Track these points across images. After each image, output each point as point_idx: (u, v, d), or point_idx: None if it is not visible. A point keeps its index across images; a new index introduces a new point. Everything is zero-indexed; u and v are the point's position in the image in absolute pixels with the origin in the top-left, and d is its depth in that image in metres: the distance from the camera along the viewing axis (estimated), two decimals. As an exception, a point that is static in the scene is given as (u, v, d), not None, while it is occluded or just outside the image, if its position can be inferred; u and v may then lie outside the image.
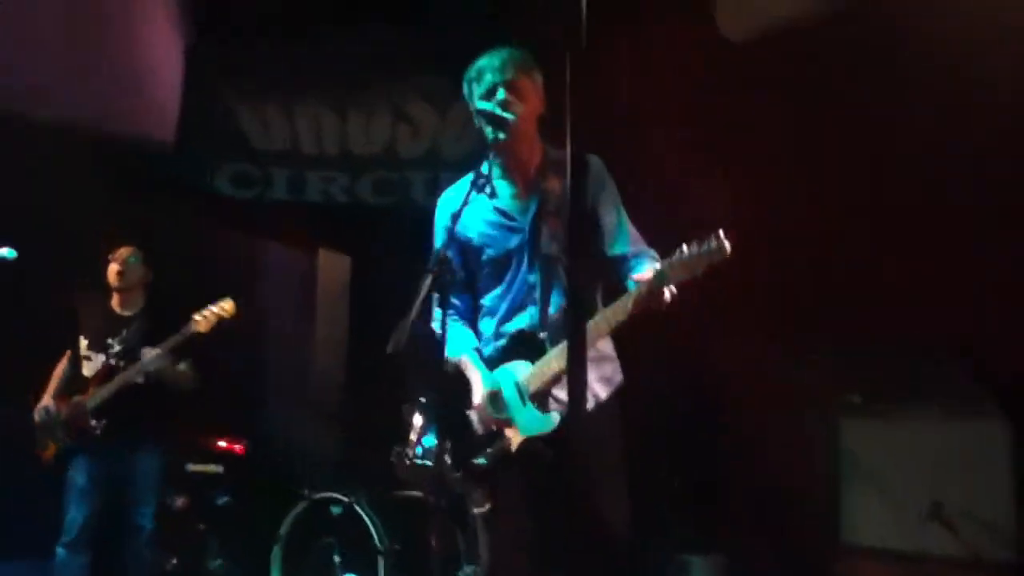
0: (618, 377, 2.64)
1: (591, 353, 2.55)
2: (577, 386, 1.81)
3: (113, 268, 4.20)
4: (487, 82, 2.59)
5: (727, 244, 2.25)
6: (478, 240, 2.65)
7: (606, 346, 2.63)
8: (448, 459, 3.98)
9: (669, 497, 4.00)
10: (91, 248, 4.37)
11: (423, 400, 4.04)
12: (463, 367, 2.63)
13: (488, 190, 2.60)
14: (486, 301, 2.68)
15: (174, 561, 4.58)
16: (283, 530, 4.11)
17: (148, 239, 4.35)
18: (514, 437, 2.55)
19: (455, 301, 2.71)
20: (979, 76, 3.57)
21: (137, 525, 4.07)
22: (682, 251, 2.31)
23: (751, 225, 4.30)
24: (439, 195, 2.76)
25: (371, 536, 3.87)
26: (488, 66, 2.61)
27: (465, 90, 2.69)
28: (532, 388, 2.52)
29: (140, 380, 3.99)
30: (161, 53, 5.41)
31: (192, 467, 4.77)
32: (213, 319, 4.01)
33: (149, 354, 3.95)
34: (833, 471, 3.52)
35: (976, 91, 3.63)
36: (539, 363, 2.52)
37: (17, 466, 4.30)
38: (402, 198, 5.17)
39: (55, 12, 4.94)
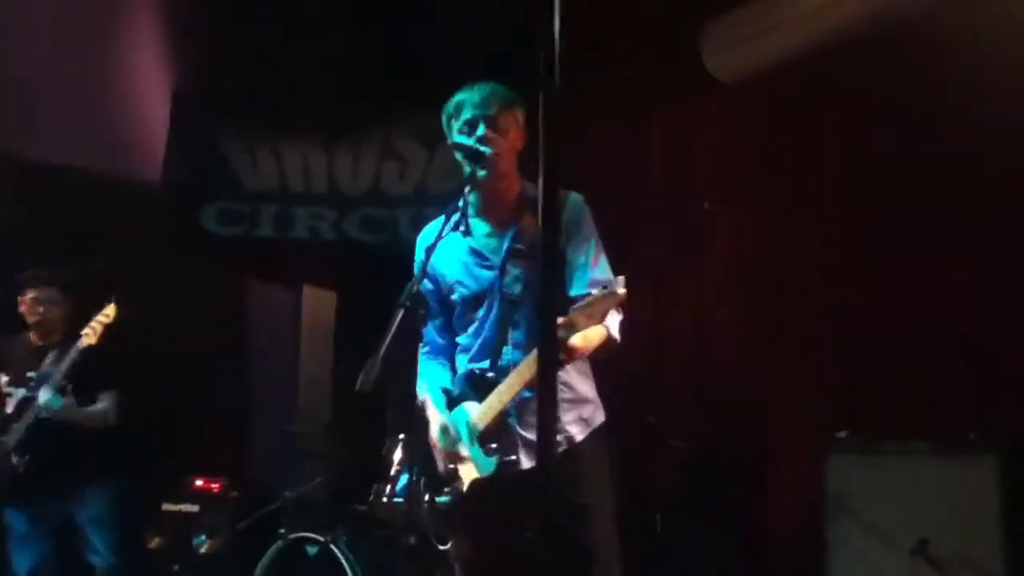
0: (598, 418, 2.60)
1: (567, 395, 2.53)
2: (546, 427, 1.77)
3: (26, 305, 4.11)
4: (466, 117, 2.58)
5: (621, 289, 2.22)
6: (451, 278, 2.63)
7: (584, 387, 2.60)
8: (426, 496, 3.96)
9: (652, 537, 3.92)
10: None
11: (402, 437, 3.99)
12: (425, 406, 2.59)
13: (463, 228, 2.60)
14: (461, 339, 2.66)
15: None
16: (258, 571, 4.02)
17: (63, 273, 4.25)
18: (466, 477, 2.51)
19: (434, 338, 2.70)
20: (973, 119, 3.59)
21: (93, 565, 3.94)
22: (583, 299, 2.30)
23: (730, 254, 4.36)
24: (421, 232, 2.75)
25: (347, 576, 3.79)
26: (468, 100, 2.59)
27: (444, 124, 2.68)
28: (480, 427, 2.48)
29: (46, 415, 3.85)
30: (150, 93, 5.44)
31: (167, 506, 4.68)
32: (100, 328, 3.92)
33: (45, 395, 3.82)
34: (819, 508, 3.46)
35: (967, 138, 3.65)
36: (485, 403, 2.48)
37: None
38: (389, 235, 5.17)
39: (45, 53, 4.96)
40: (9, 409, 3.98)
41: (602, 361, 2.59)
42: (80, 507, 3.98)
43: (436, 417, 2.57)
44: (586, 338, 2.37)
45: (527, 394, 2.43)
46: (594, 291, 2.28)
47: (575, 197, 2.61)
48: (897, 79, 3.79)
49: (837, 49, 3.94)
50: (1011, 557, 3.02)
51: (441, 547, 2.63)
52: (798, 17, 4.07)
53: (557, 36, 1.64)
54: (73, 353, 3.88)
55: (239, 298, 5.87)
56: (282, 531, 4.13)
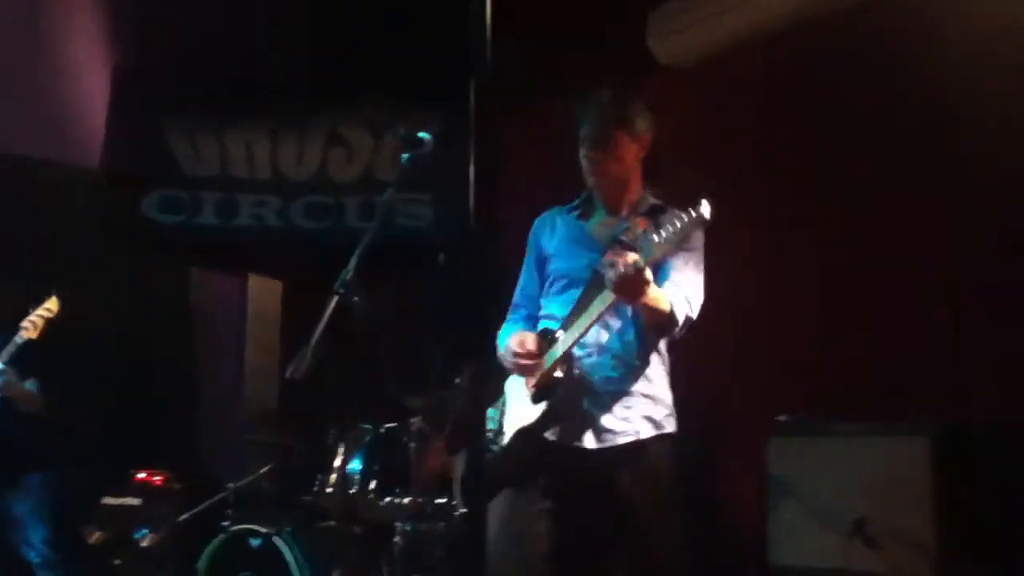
0: (669, 425, 2.57)
1: (645, 388, 2.54)
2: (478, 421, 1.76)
3: None
4: (583, 132, 2.61)
5: (706, 212, 2.18)
6: (550, 250, 2.70)
7: (661, 388, 2.59)
8: (372, 485, 3.94)
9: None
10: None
11: (347, 427, 3.97)
12: (513, 338, 2.60)
13: (580, 211, 2.69)
14: (548, 306, 2.69)
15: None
16: (200, 564, 3.96)
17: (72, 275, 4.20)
18: (509, 430, 2.58)
19: (522, 305, 2.77)
20: (927, 101, 3.63)
21: (29, 560, 3.83)
22: (661, 229, 2.23)
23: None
24: (372, 219, 2.76)
25: (289, 569, 3.75)
26: (585, 116, 2.62)
27: None
28: (535, 380, 2.54)
29: None
30: (89, 76, 5.30)
31: (109, 500, 4.59)
32: (40, 323, 3.84)
33: None
34: (760, 490, 3.50)
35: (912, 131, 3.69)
36: (548, 354, 2.52)
37: None
38: (335, 222, 5.11)
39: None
40: None
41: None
42: (17, 498, 3.87)
43: (529, 337, 2.58)
44: (656, 293, 2.36)
45: (612, 374, 2.47)
46: (679, 216, 2.20)
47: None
48: (852, 62, 3.84)
49: (787, 34, 3.98)
50: (942, 533, 3.08)
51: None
52: (746, 2, 4.09)
53: (489, 21, 1.63)
54: (11, 347, 3.78)
55: (182, 287, 5.76)
56: (225, 523, 4.08)
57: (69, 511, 4.09)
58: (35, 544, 3.85)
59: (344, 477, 3.93)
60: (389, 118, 5.05)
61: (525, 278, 2.78)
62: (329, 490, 3.96)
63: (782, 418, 3.58)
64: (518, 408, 2.57)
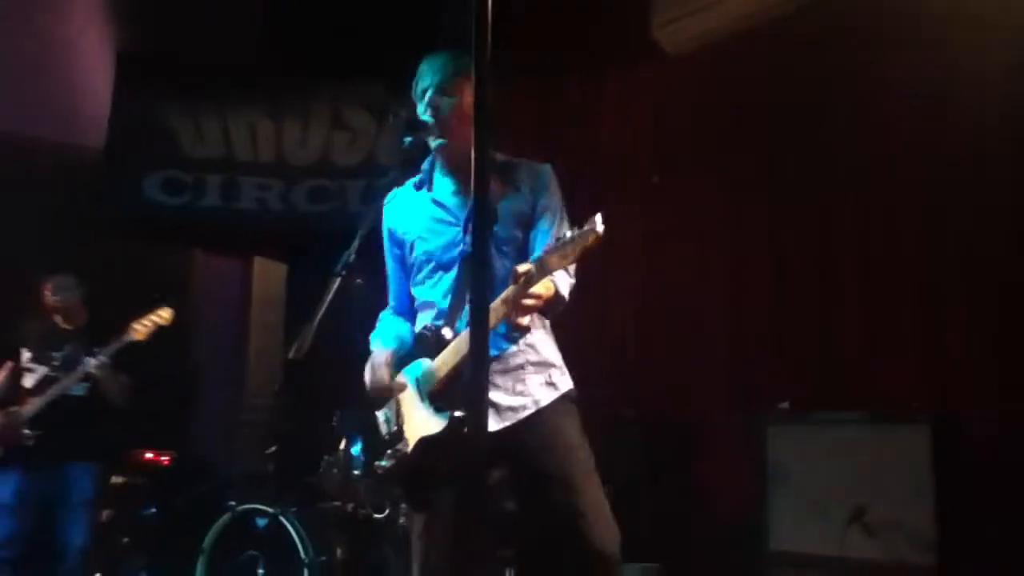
0: (566, 384, 2.57)
1: (532, 357, 2.52)
2: (478, 391, 1.77)
3: (48, 296, 4.24)
4: (421, 87, 2.58)
5: (600, 227, 2.16)
6: (412, 235, 2.62)
7: (548, 352, 2.58)
8: (358, 465, 3.95)
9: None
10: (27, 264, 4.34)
11: (350, 410, 3.99)
12: (378, 354, 2.58)
13: (427, 186, 2.61)
14: (421, 296, 2.64)
15: (98, 575, 4.45)
16: (206, 542, 4.01)
17: (71, 258, 4.35)
18: (412, 437, 2.50)
19: (396, 300, 2.70)
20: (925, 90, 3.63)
21: (68, 545, 4.02)
22: (555, 240, 2.26)
23: (677, 226, 4.39)
24: (374, 203, 2.74)
25: (296, 548, 3.79)
26: (423, 71, 2.59)
27: (414, 97, 2.68)
28: (432, 384, 2.47)
29: (80, 392, 4.03)
30: (92, 60, 5.30)
31: (117, 479, 4.65)
32: (151, 327, 4.07)
33: (92, 362, 3.99)
34: (760, 477, 3.53)
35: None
36: (436, 360, 2.48)
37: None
38: (338, 205, 5.12)
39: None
40: (29, 383, 4.10)
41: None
42: (73, 484, 4.07)
43: (382, 366, 2.53)
44: (546, 288, 2.32)
45: (493, 352, 2.41)
46: (568, 232, 2.21)
47: (544, 167, 2.61)
48: (852, 47, 3.83)
49: (789, 20, 3.97)
50: (941, 522, 3.11)
51: (376, 515, 2.61)
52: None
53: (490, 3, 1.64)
54: (117, 344, 4.01)
55: (186, 269, 5.78)
56: (231, 503, 4.12)
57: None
58: (80, 532, 4.06)
59: (348, 460, 3.96)
60: (391, 101, 5.05)
61: (390, 270, 2.69)
62: (333, 472, 3.99)
63: (782, 406, 3.61)
64: (415, 412, 2.49)
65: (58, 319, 4.28)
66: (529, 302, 2.27)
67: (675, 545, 3.95)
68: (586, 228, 2.21)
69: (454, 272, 2.53)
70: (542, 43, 4.59)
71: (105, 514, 4.63)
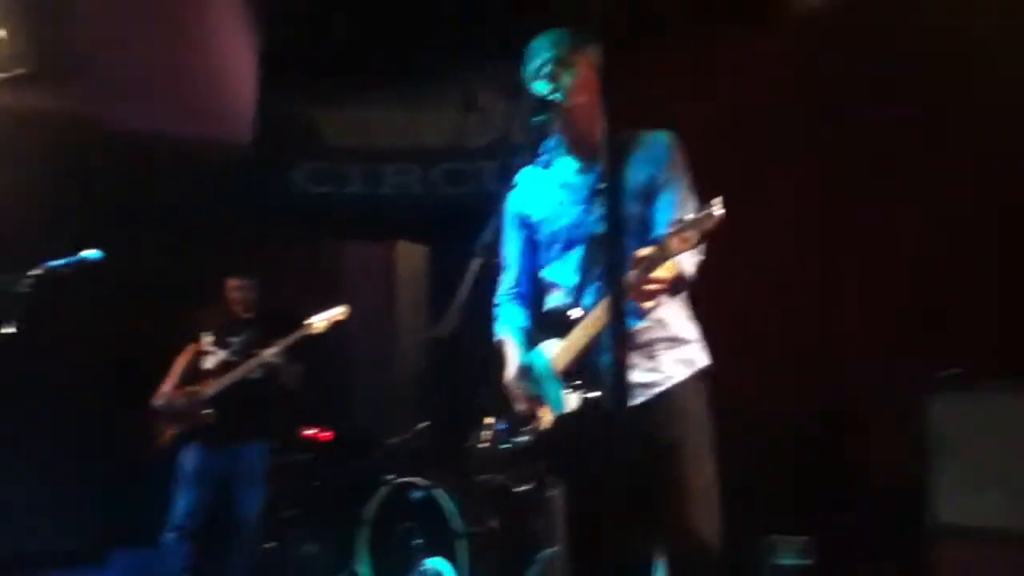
0: (701, 360, 2.57)
1: (662, 333, 2.53)
2: (619, 367, 1.78)
3: (232, 291, 4.63)
4: (537, 63, 2.59)
5: (717, 211, 2.14)
6: (538, 216, 2.65)
7: (681, 327, 2.57)
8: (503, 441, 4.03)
9: (753, 477, 3.91)
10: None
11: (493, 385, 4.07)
12: (504, 346, 2.64)
13: (550, 166, 2.62)
14: (547, 274, 2.68)
15: (268, 545, 4.75)
16: (367, 514, 4.21)
17: (250, 260, 4.77)
18: (545, 417, 2.54)
19: (516, 283, 2.74)
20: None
21: (242, 517, 4.37)
22: (676, 222, 2.21)
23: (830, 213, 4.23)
24: (509, 182, 2.77)
25: (449, 520, 3.93)
26: (539, 46, 2.60)
27: (524, 76, 2.70)
28: (561, 364, 2.50)
29: (257, 375, 4.37)
30: (236, 56, 5.57)
31: (284, 456, 4.94)
32: (329, 323, 4.44)
33: (270, 351, 4.35)
34: (923, 448, 3.38)
35: None
36: (566, 339, 2.50)
37: (131, 457, 4.58)
38: (475, 187, 5.21)
39: (132, 20, 5.16)
40: (208, 365, 4.50)
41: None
42: (247, 461, 4.44)
43: (514, 357, 2.59)
44: (668, 269, 2.30)
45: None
46: (688, 216, 2.20)
47: (663, 135, 2.57)
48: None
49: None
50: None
51: (515, 490, 2.68)
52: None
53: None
54: (297, 334, 4.39)
55: (335, 256, 6.04)
56: (388, 477, 4.31)
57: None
58: (253, 506, 4.43)
59: (494, 434, 4.05)
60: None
61: (512, 252, 2.70)
62: (482, 446, 4.10)
63: (944, 375, 3.44)
64: (548, 391, 2.51)
65: (237, 309, 4.63)
66: (651, 287, 2.25)
67: (828, 520, 3.85)
68: (704, 212, 2.17)
69: (579, 251, 2.55)
70: (657, 10, 4.50)
71: (274, 488, 4.94)
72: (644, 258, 2.21)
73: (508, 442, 2.68)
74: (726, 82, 4.55)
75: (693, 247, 2.21)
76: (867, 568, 3.69)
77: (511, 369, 2.60)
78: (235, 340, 4.53)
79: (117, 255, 4.32)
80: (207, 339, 4.58)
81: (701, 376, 2.55)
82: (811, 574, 3.63)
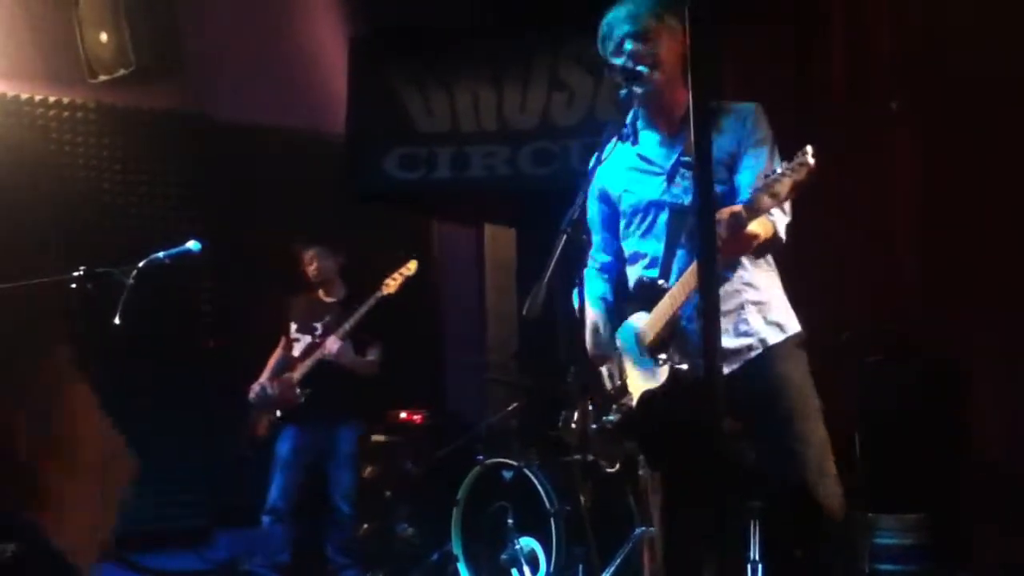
0: (793, 325, 2.51)
1: (751, 295, 2.47)
2: (712, 340, 1.75)
3: (309, 268, 4.66)
4: (616, 36, 2.56)
5: (811, 158, 2.07)
6: (618, 188, 2.64)
7: (771, 291, 2.51)
8: (592, 420, 4.02)
9: (853, 451, 3.78)
10: (280, 241, 4.79)
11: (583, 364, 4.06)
12: (588, 319, 2.60)
13: (631, 139, 2.59)
14: (629, 248, 2.65)
15: (365, 527, 4.86)
16: (460, 495, 4.26)
17: (329, 232, 4.77)
18: (636, 390, 2.51)
19: (600, 255, 2.74)
20: None
21: (336, 497, 4.46)
22: (764, 177, 2.16)
23: (918, 157, 4.04)
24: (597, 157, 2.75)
25: (541, 499, 3.94)
26: (615, 19, 2.57)
27: (600, 48, 2.66)
28: (651, 336, 2.46)
29: (332, 357, 4.40)
30: (326, 44, 5.67)
31: (376, 438, 5.04)
32: (400, 279, 4.43)
33: (342, 329, 4.39)
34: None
35: None
36: (653, 312, 2.46)
37: (231, 445, 4.73)
38: (561, 166, 5.17)
39: (229, 14, 5.31)
40: (296, 353, 4.61)
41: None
42: (339, 442, 4.51)
43: (593, 328, 2.58)
44: (763, 226, 2.29)
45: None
46: (778, 168, 2.15)
47: (749, 106, 2.53)
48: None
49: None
50: None
51: (608, 470, 2.67)
52: None
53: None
54: (371, 300, 4.42)
55: (426, 240, 6.10)
56: (480, 457, 4.35)
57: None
58: (346, 488, 4.51)
59: (584, 413, 4.04)
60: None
61: (595, 225, 2.70)
62: (572, 426, 4.09)
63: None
64: (636, 366, 2.48)
65: (320, 293, 4.69)
66: (742, 242, 2.22)
67: (942, 492, 3.69)
68: (796, 161, 2.11)
69: (662, 222, 2.51)
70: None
71: (369, 470, 5.05)
72: (735, 213, 2.18)
73: (599, 421, 2.67)
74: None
75: (785, 200, 2.17)
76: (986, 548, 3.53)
77: (591, 340, 2.58)
78: (318, 324, 4.58)
79: (219, 245, 4.50)
80: (293, 327, 4.66)
81: (798, 341, 2.49)
82: (916, 553, 3.49)
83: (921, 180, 4.03)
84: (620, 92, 2.63)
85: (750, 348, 2.46)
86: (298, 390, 4.46)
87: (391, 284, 4.42)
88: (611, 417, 2.57)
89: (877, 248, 4.16)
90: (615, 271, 2.72)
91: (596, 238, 2.74)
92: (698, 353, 2.33)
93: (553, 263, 2.35)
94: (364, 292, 4.53)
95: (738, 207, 2.19)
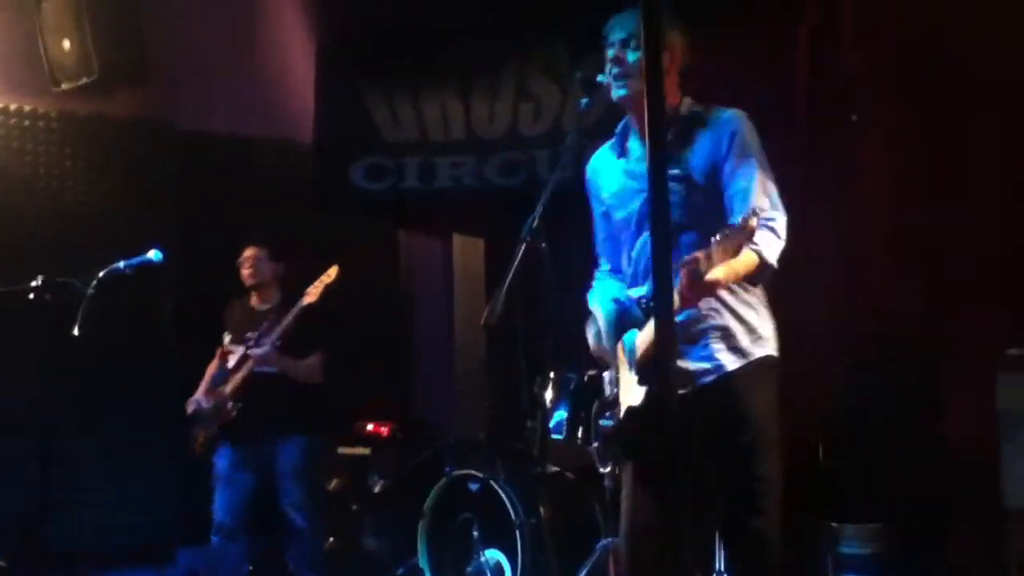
0: (759, 351, 2.49)
1: (716, 321, 2.47)
2: (666, 361, 1.74)
3: (244, 269, 4.47)
4: (614, 39, 2.56)
5: (752, 222, 2.07)
6: (609, 201, 2.65)
7: (742, 317, 2.50)
8: (579, 432, 4.02)
9: (815, 464, 3.80)
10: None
11: (552, 375, 4.06)
12: (595, 316, 2.62)
13: (618, 150, 2.61)
14: (618, 265, 2.67)
15: (331, 540, 4.81)
16: (426, 507, 4.23)
17: (275, 236, 4.59)
18: (623, 404, 2.51)
19: (607, 255, 2.73)
20: None
21: (288, 520, 4.27)
22: (719, 235, 2.14)
23: (884, 166, 4.08)
24: (559, 169, 2.75)
25: (507, 511, 3.91)
26: (616, 23, 2.57)
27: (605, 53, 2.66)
28: (639, 354, 2.46)
29: (272, 370, 4.23)
30: (294, 52, 5.64)
31: (343, 450, 4.99)
32: (321, 287, 4.23)
33: (270, 338, 4.20)
34: (993, 424, 3.24)
35: None
36: (643, 331, 2.46)
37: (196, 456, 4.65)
38: (528, 177, 5.18)
39: (194, 22, 5.26)
40: (230, 364, 4.42)
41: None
42: (280, 456, 4.32)
43: (600, 329, 2.58)
44: (731, 268, 2.25)
45: (680, 317, 2.34)
46: (737, 220, 2.13)
47: (733, 113, 2.50)
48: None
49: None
50: None
51: (602, 469, 2.69)
52: None
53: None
54: (295, 310, 4.21)
55: (392, 251, 6.07)
56: (446, 469, 4.31)
57: (316, 468, 4.52)
58: (296, 500, 4.30)
59: (545, 425, 4.03)
60: (570, 64, 5.02)
61: (599, 229, 2.71)
62: (537, 438, 4.08)
63: (1012, 352, 3.29)
64: (626, 380, 2.49)
65: (253, 299, 4.50)
66: (698, 290, 2.22)
67: (905, 503, 3.71)
68: (743, 220, 2.10)
69: (647, 238, 2.49)
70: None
71: (335, 483, 4.99)
72: (692, 262, 2.17)
73: (573, 430, 2.70)
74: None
75: (733, 256, 2.16)
76: (940, 555, 3.55)
77: (593, 341, 2.59)
78: (252, 334, 4.36)
79: (183, 255, 4.44)
80: (227, 338, 4.48)
81: (762, 366, 2.48)
82: (878, 563, 3.50)
83: (896, 183, 4.07)
84: (581, 101, 2.64)
85: (707, 372, 2.46)
86: (230, 404, 4.29)
87: (312, 293, 4.22)
88: (605, 422, 2.59)
89: (851, 252, 4.20)
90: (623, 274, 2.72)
91: (603, 242, 2.74)
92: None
93: (513, 271, 2.34)
94: (294, 297, 4.33)
95: (699, 254, 2.17)
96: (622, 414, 2.49)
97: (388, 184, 5.41)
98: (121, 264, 3.94)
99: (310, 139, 5.55)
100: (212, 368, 4.53)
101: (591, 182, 2.66)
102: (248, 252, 4.47)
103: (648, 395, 2.38)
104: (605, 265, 2.73)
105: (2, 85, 5.07)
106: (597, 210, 2.70)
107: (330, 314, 4.37)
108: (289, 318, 4.22)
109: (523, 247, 2.38)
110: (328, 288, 4.24)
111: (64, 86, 4.91)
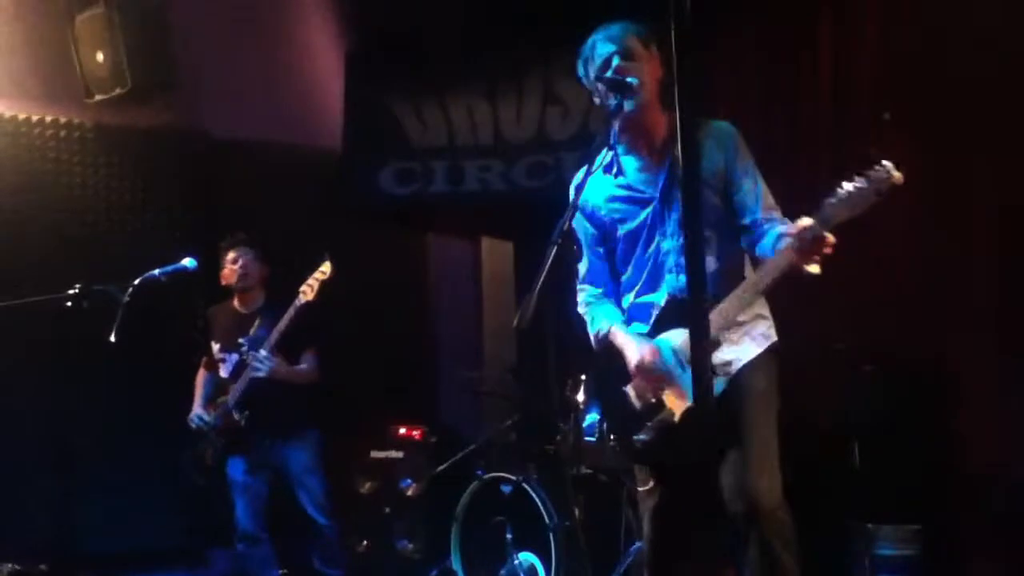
0: (772, 336, 2.59)
1: (745, 315, 2.52)
2: (701, 359, 1.75)
3: (232, 268, 4.36)
4: (602, 54, 2.59)
5: (895, 171, 2.10)
6: (611, 216, 2.65)
7: (761, 305, 2.58)
8: (610, 435, 4.01)
9: (848, 464, 3.76)
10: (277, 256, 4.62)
11: (583, 377, 4.05)
12: (613, 338, 2.61)
13: (615, 169, 2.62)
14: (624, 276, 2.68)
15: (364, 543, 4.83)
16: (459, 510, 4.24)
17: (262, 237, 4.52)
18: (676, 406, 2.49)
19: (598, 282, 2.74)
20: None
21: (311, 516, 4.28)
22: (840, 190, 2.18)
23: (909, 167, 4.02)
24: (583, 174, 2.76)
25: (540, 514, 3.91)
26: (601, 38, 2.60)
27: (580, 70, 2.70)
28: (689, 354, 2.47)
29: (264, 374, 4.12)
30: (322, 59, 5.69)
31: (375, 454, 5.01)
32: (316, 285, 4.12)
33: (257, 357, 4.11)
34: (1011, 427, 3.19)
35: None
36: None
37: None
38: (555, 180, 5.17)
39: (226, 31, 5.32)
40: (225, 373, 4.37)
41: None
42: (291, 457, 4.31)
43: (632, 347, 2.56)
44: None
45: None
46: (862, 180, 2.16)
47: (725, 124, 2.59)
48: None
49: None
50: None
51: (641, 489, 2.67)
52: None
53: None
54: (294, 309, 4.11)
55: (422, 255, 6.10)
56: (478, 472, 4.33)
57: (335, 466, 4.50)
58: (314, 499, 4.30)
59: (579, 427, 4.03)
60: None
61: (591, 254, 2.71)
62: (569, 440, 4.08)
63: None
64: (678, 381, 2.53)
65: (236, 303, 4.40)
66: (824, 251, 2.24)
67: (935, 503, 3.67)
68: (878, 173, 2.12)
69: (654, 248, 2.57)
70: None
71: (368, 486, 5.01)
72: (805, 228, 2.23)
73: (606, 435, 2.71)
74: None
75: (859, 213, 2.20)
76: (980, 559, 3.50)
77: (636, 354, 2.55)
78: (244, 339, 4.25)
79: (216, 262, 4.47)
80: (215, 347, 4.39)
81: (771, 353, 2.57)
82: (918, 566, 3.46)
83: (912, 188, 4.01)
84: (609, 103, 2.64)
85: (739, 360, 2.53)
86: (236, 415, 4.22)
87: (308, 291, 4.11)
88: (643, 436, 2.54)
89: (870, 257, 4.15)
90: (615, 297, 2.73)
91: (591, 262, 2.74)
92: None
93: (544, 274, 2.35)
94: (283, 300, 4.21)
95: (808, 220, 2.23)
96: (677, 416, 2.48)
97: (417, 188, 5.44)
98: (157, 272, 4.01)
99: (339, 145, 5.59)
100: (201, 377, 4.48)
101: (583, 209, 2.64)
102: (236, 253, 4.36)
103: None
104: (595, 290, 2.74)
105: (38, 97, 5.16)
106: (588, 233, 2.70)
107: (327, 311, 4.29)
108: (286, 320, 4.12)
109: (554, 249, 2.38)
110: (324, 285, 4.15)
111: (98, 97, 4.97)
